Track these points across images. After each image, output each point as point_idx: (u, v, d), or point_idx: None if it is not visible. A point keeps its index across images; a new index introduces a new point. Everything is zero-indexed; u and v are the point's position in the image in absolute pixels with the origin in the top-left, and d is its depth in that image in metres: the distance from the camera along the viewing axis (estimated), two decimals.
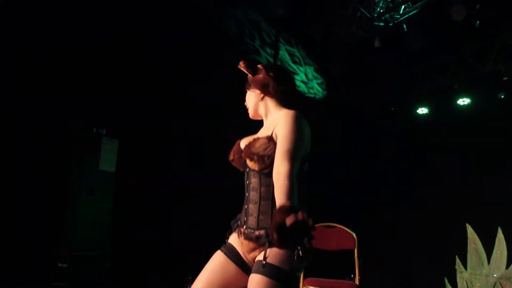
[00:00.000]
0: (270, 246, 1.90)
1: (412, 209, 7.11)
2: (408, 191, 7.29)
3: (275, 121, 2.08)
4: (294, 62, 8.12)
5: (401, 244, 7.15)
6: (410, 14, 6.47)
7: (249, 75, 2.24)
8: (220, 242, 2.26)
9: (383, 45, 6.74)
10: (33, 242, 4.92)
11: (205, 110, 6.07)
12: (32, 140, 4.96)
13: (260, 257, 1.93)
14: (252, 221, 2.03)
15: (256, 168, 2.01)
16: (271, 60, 7.63)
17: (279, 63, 7.61)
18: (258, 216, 2.01)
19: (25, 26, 4.90)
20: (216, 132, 5.49)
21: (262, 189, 2.03)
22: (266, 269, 1.86)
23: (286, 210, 1.68)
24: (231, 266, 2.11)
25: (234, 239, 2.18)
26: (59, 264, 4.87)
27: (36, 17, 4.98)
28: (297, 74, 8.19)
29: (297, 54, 8.20)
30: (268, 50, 7.66)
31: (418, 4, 6.29)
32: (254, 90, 2.24)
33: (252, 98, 2.27)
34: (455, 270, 6.43)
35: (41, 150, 5.01)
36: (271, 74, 2.19)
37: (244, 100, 2.36)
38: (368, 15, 6.69)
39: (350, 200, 7.39)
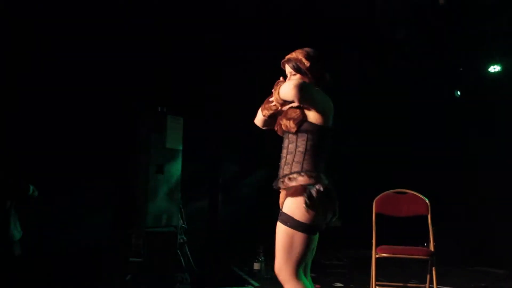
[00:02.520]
0: (287, 192, 2.33)
1: (486, 173, 6.80)
2: (480, 154, 6.97)
3: None
4: None
5: (476, 209, 6.88)
6: None
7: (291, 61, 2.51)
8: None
9: (449, 1, 6.36)
10: (109, 220, 5.12)
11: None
12: (98, 124, 5.12)
13: (285, 209, 2.32)
14: (287, 169, 2.39)
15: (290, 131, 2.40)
16: None
17: None
18: (292, 164, 2.37)
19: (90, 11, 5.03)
20: None
21: (293, 144, 2.41)
22: (281, 217, 2.32)
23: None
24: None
25: (280, 196, 2.48)
26: (134, 241, 5.03)
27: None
28: None
29: None
30: None
31: None
32: (295, 74, 2.49)
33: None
34: None
35: (108, 132, 5.16)
36: (313, 63, 2.46)
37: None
38: None
39: (420, 166, 7.16)
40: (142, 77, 5.43)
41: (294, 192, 2.29)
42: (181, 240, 5.41)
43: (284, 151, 2.45)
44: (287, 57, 2.54)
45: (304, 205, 2.22)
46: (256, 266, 5.24)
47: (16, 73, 4.66)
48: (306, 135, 2.37)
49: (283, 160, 2.44)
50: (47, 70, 4.84)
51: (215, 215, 6.01)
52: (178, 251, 5.27)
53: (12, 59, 4.63)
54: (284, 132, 2.48)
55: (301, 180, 2.30)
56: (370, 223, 4.14)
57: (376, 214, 4.19)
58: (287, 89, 2.32)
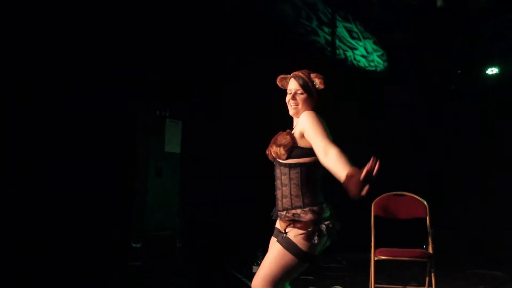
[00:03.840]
0: (294, 224, 2.31)
1: (484, 175, 6.81)
2: (479, 157, 6.98)
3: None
4: (353, 38, 7.97)
5: (474, 211, 6.88)
6: None
7: (300, 81, 2.49)
8: None
9: (447, 4, 6.39)
10: (107, 225, 5.10)
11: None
12: (96, 127, 5.11)
13: (284, 231, 2.34)
14: (280, 204, 2.42)
15: (280, 158, 2.39)
16: (329, 38, 7.51)
17: (337, 41, 7.50)
18: (291, 198, 2.37)
19: (90, 13, 5.04)
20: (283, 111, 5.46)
21: (290, 175, 2.38)
22: (284, 239, 2.31)
23: (351, 173, 2.05)
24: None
25: (278, 224, 2.53)
26: (133, 245, 5.03)
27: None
28: (356, 49, 8.01)
29: (355, 29, 8.04)
30: (325, 29, 7.53)
31: None
32: (303, 93, 2.47)
33: (306, 101, 2.49)
34: None
35: (107, 135, 5.16)
36: (324, 83, 2.47)
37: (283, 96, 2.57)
38: None
39: (420, 168, 7.17)
40: (140, 80, 5.43)
41: (301, 226, 2.30)
42: (180, 244, 5.40)
43: (278, 182, 2.45)
44: (294, 73, 2.52)
45: (314, 240, 2.27)
46: (255, 269, 5.24)
47: (13, 74, 4.64)
48: (299, 168, 2.36)
49: (279, 192, 2.44)
50: (44, 72, 4.83)
51: (213, 219, 6.00)
52: (177, 255, 5.27)
53: (10, 59, 4.63)
54: (274, 159, 2.48)
55: (307, 218, 2.30)
56: (369, 225, 4.15)
57: (375, 217, 4.20)
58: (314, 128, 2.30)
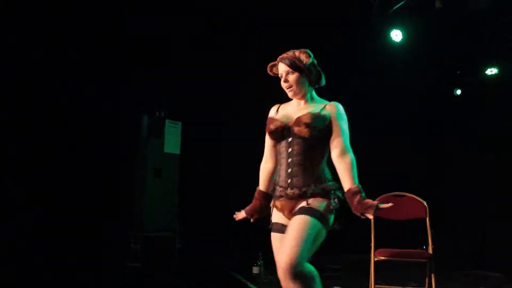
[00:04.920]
0: (314, 197, 2.35)
1: (484, 175, 6.81)
2: (479, 157, 6.98)
3: (321, 105, 2.49)
4: None
5: (475, 212, 6.88)
6: None
7: (296, 61, 2.48)
8: None
9: (445, 5, 6.37)
10: (106, 225, 5.10)
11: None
12: (96, 127, 5.11)
13: (303, 204, 2.35)
14: (296, 181, 2.39)
15: (307, 136, 2.38)
16: None
17: None
18: (304, 176, 2.38)
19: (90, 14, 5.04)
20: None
21: (306, 154, 2.40)
22: (308, 210, 2.31)
23: (357, 189, 2.29)
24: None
25: (276, 216, 2.53)
26: (132, 245, 5.02)
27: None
28: None
29: None
30: None
31: None
32: (293, 72, 2.48)
33: (299, 80, 2.49)
34: None
35: (106, 136, 5.15)
36: (312, 62, 2.49)
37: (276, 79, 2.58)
38: None
39: (419, 169, 7.18)
40: (140, 81, 5.42)
41: (323, 196, 2.36)
42: (179, 245, 5.39)
43: (294, 159, 2.42)
44: (280, 57, 2.53)
45: (333, 209, 2.35)
46: (255, 270, 5.23)
47: (14, 72, 4.64)
48: (319, 147, 2.42)
49: (293, 169, 2.42)
50: (43, 72, 4.83)
51: (213, 219, 5.99)
52: (176, 256, 5.26)
53: (12, 58, 4.62)
54: (283, 137, 2.47)
55: (327, 189, 2.38)
56: (369, 226, 4.14)
57: (375, 217, 4.18)
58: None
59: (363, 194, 2.28)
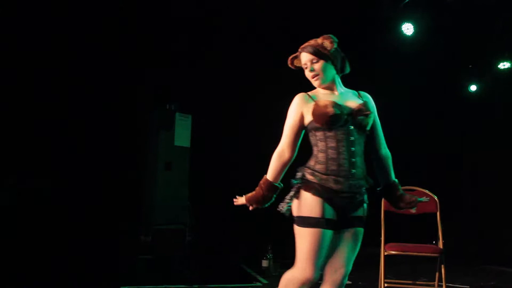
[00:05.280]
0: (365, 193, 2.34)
1: (497, 170, 6.76)
2: (490, 154, 6.93)
3: (356, 95, 2.44)
4: None
5: (485, 207, 6.84)
6: None
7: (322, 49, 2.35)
8: None
9: None
10: (117, 218, 5.13)
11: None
12: (107, 121, 5.13)
13: (360, 213, 2.34)
14: (360, 172, 2.29)
15: (368, 125, 2.34)
16: None
17: None
18: (362, 167, 2.31)
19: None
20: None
21: (363, 144, 2.35)
22: (363, 220, 2.36)
23: (397, 185, 2.43)
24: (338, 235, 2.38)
25: (321, 209, 2.25)
26: (143, 238, 5.05)
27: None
28: None
29: None
30: None
31: None
32: (318, 60, 2.35)
33: (325, 67, 2.35)
34: None
35: (117, 130, 5.17)
36: (337, 48, 2.36)
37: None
38: None
39: (430, 163, 7.13)
40: (151, 74, 5.44)
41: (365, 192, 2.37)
42: (190, 237, 5.41)
43: (352, 149, 2.28)
44: (302, 46, 2.38)
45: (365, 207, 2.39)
46: (265, 263, 5.24)
47: (23, 71, 4.67)
48: (364, 135, 2.37)
49: (351, 159, 2.27)
50: (55, 68, 4.85)
51: (223, 212, 6.00)
52: (187, 248, 5.28)
53: (18, 57, 4.65)
54: (356, 126, 2.31)
55: (368, 182, 2.36)
56: (379, 220, 4.13)
57: (385, 212, 4.17)
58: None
59: (401, 189, 2.38)
